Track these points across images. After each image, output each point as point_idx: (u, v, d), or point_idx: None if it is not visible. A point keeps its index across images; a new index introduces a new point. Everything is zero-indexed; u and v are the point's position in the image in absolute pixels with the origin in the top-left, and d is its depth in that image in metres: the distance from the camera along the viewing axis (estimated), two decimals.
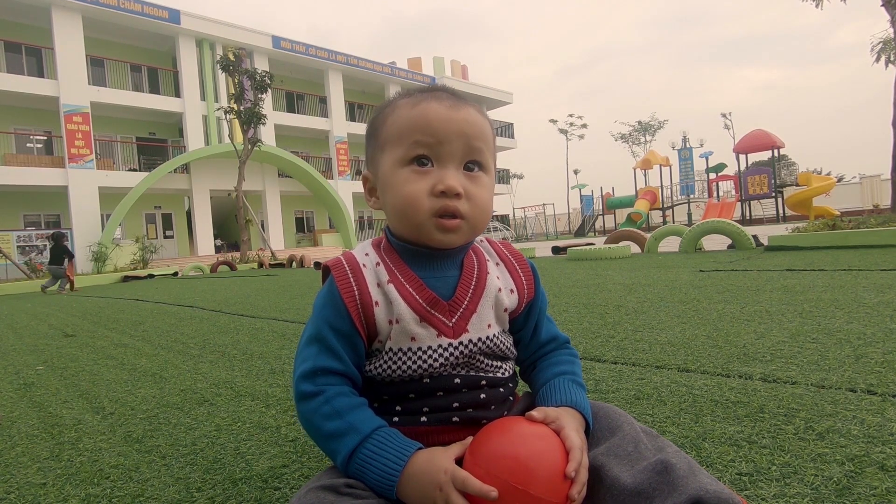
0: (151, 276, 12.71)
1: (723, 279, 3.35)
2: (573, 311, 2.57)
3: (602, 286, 3.51)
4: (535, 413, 0.67)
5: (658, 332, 1.93)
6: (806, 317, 1.99)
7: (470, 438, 0.68)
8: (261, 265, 13.59)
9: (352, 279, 0.73)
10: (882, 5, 11.14)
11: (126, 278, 12.48)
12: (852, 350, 1.48)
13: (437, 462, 0.63)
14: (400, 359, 0.73)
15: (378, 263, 0.75)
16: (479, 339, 0.75)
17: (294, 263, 12.33)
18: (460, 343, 0.73)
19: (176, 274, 13.15)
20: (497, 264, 0.80)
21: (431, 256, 0.75)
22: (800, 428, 0.98)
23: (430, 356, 0.72)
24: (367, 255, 0.77)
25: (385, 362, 0.73)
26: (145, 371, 2.05)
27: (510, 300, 0.78)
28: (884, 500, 0.72)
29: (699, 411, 1.11)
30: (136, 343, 2.79)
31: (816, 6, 12.64)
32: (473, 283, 0.76)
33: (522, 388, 0.87)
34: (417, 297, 0.73)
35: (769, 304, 2.32)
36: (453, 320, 0.74)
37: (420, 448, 0.66)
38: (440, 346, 0.73)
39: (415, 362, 0.72)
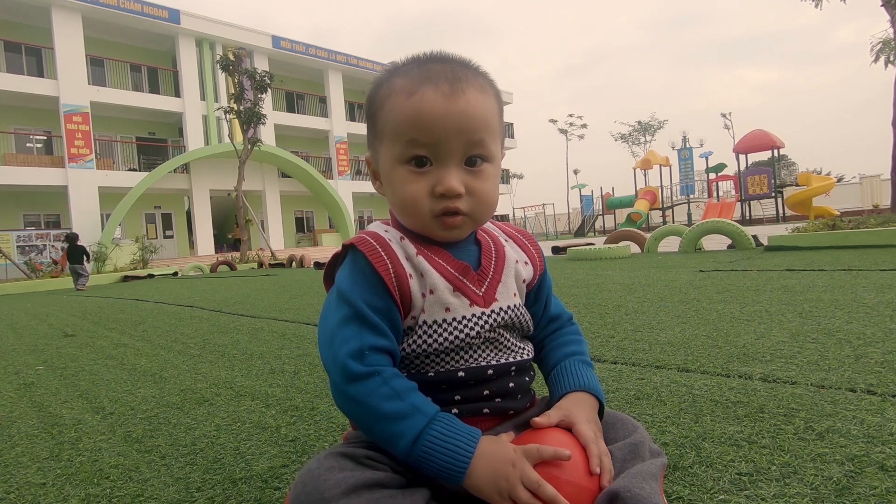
0: (151, 275, 12.71)
1: (723, 279, 3.35)
2: (573, 311, 2.56)
3: (602, 286, 3.51)
4: (538, 420, 0.69)
5: (658, 332, 1.93)
6: (806, 317, 1.99)
7: (512, 436, 0.69)
8: (261, 265, 13.60)
9: (383, 253, 0.71)
10: (882, 5, 11.13)
11: (126, 278, 12.49)
12: (852, 350, 1.48)
13: (505, 452, 0.63)
14: (435, 331, 0.72)
15: (402, 238, 0.74)
16: (509, 308, 0.76)
17: (294, 263, 12.33)
18: (492, 311, 0.74)
19: (176, 274, 13.15)
20: (506, 241, 0.82)
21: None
22: (800, 428, 0.98)
23: (465, 325, 0.72)
24: (386, 231, 0.75)
25: (420, 337, 0.72)
26: (145, 371, 2.05)
27: (527, 271, 0.81)
28: (884, 500, 0.72)
29: (699, 411, 1.11)
30: (136, 343, 2.79)
31: (816, 6, 12.62)
32: (494, 254, 0.78)
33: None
34: (449, 267, 0.73)
35: (769, 304, 2.31)
36: (482, 289, 0.75)
37: (482, 433, 0.66)
38: (473, 315, 0.73)
39: (451, 333, 0.72)
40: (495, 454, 0.62)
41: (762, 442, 0.93)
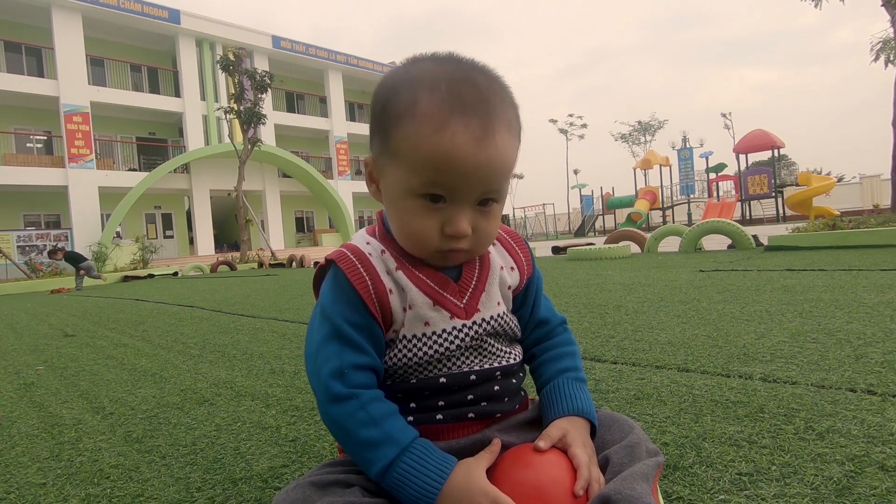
0: (151, 275, 12.72)
1: (723, 279, 3.35)
2: (573, 311, 2.56)
3: (602, 286, 3.51)
4: (541, 444, 0.68)
5: (658, 332, 1.93)
6: (806, 317, 1.99)
7: (498, 444, 0.69)
8: (261, 265, 13.60)
9: (362, 269, 0.71)
10: (882, 5, 11.14)
11: (126, 278, 12.49)
12: (852, 350, 1.48)
13: (476, 482, 0.62)
14: (415, 345, 0.72)
15: (383, 251, 0.73)
16: (492, 318, 0.75)
17: (294, 263, 12.33)
18: (473, 323, 0.73)
19: (176, 274, 13.15)
20: (493, 245, 0.81)
21: None
22: (800, 428, 0.98)
23: (445, 339, 0.72)
24: (368, 244, 0.74)
25: (400, 350, 0.72)
26: (145, 371, 2.05)
27: (512, 277, 0.79)
28: (884, 500, 0.72)
29: (699, 411, 1.11)
30: (136, 343, 2.79)
31: (815, 6, 12.63)
32: (478, 263, 0.77)
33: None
34: (428, 281, 0.72)
35: (769, 304, 2.31)
36: (464, 301, 0.74)
37: (457, 462, 0.66)
38: (454, 328, 0.72)
39: (430, 347, 0.72)
40: (464, 495, 0.62)
41: (762, 442, 0.93)
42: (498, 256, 0.79)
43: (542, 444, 0.68)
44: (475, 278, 0.75)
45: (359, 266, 0.71)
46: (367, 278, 0.70)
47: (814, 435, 0.94)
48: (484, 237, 0.70)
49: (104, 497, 0.97)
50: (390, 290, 0.71)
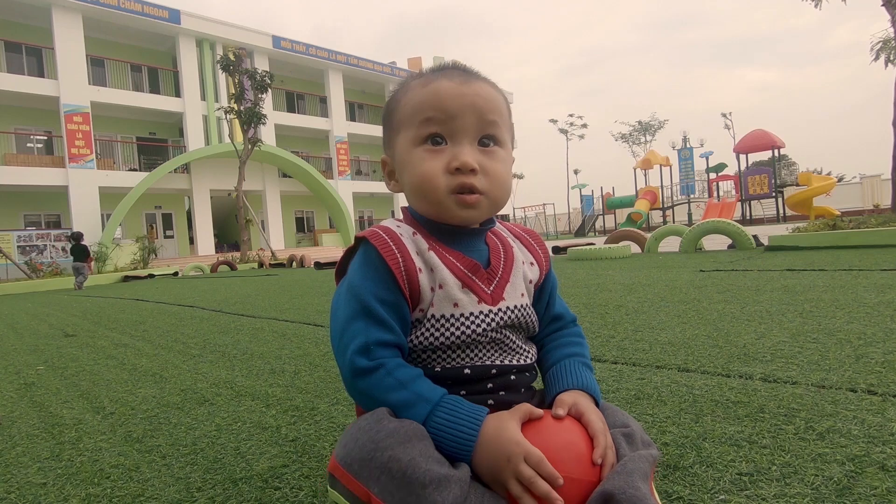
0: (152, 275, 12.72)
1: (723, 279, 3.35)
2: (574, 311, 2.56)
3: (602, 286, 3.51)
4: (559, 411, 0.69)
5: (658, 332, 1.93)
6: (806, 317, 1.99)
7: (536, 410, 0.68)
8: (261, 265, 13.60)
9: (394, 247, 0.72)
10: (882, 5, 11.14)
11: (126, 278, 12.50)
12: (853, 350, 1.48)
13: (508, 432, 0.63)
14: (443, 325, 0.73)
15: (414, 233, 0.75)
16: (516, 307, 0.77)
17: (294, 263, 12.33)
18: (499, 310, 0.75)
19: (176, 274, 13.16)
20: (514, 241, 0.84)
21: (459, 233, 0.76)
22: (800, 428, 0.98)
23: (472, 321, 0.73)
24: (398, 226, 0.76)
25: (427, 330, 0.73)
26: (145, 371, 2.05)
27: (532, 272, 0.82)
28: (884, 500, 0.72)
29: (699, 411, 1.11)
30: (136, 343, 2.79)
31: (815, 6, 12.63)
32: (503, 255, 0.79)
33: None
34: (459, 263, 0.74)
35: (769, 304, 2.31)
36: (491, 288, 0.76)
37: (488, 412, 0.66)
38: (481, 312, 0.74)
39: (458, 328, 0.73)
40: (495, 444, 0.62)
41: (763, 442, 0.93)
42: (520, 252, 0.82)
43: (560, 411, 0.69)
44: (501, 268, 0.78)
45: (391, 243, 0.73)
46: (398, 255, 0.72)
47: (814, 435, 0.94)
48: (495, 178, 0.73)
49: (104, 497, 0.97)
50: (420, 269, 0.72)
